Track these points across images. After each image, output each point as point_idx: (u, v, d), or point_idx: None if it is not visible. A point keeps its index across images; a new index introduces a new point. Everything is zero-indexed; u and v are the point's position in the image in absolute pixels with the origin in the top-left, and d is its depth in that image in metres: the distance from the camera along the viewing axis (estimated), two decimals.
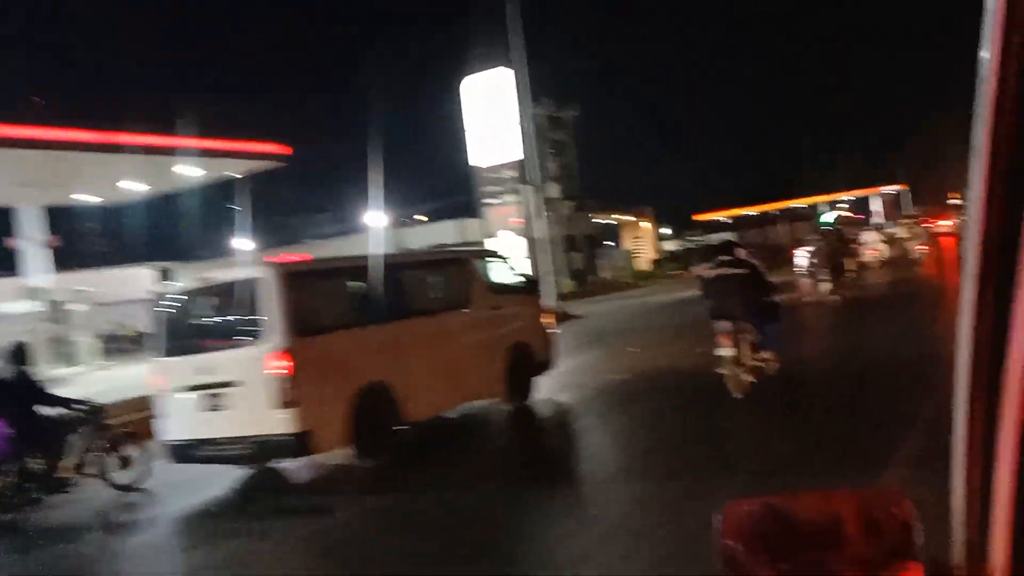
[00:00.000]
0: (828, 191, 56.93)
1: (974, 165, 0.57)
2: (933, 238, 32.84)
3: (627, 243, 54.18)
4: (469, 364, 8.41)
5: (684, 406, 8.22)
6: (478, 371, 8.52)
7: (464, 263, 9.40)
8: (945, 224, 38.02)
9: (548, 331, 9.99)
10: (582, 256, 43.68)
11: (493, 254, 11.08)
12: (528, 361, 9.25)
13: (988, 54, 0.53)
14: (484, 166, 32.12)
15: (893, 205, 61.25)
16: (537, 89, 29.22)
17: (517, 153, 30.06)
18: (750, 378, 7.85)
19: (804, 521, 0.76)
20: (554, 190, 38.50)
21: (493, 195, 32.46)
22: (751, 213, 62.44)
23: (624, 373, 10.79)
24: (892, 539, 0.72)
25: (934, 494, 0.89)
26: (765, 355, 8.08)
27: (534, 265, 25.34)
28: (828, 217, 45.14)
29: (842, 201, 58.17)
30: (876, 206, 61.40)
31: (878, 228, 33.45)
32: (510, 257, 11.82)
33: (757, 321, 7.96)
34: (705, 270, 8.52)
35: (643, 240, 55.26)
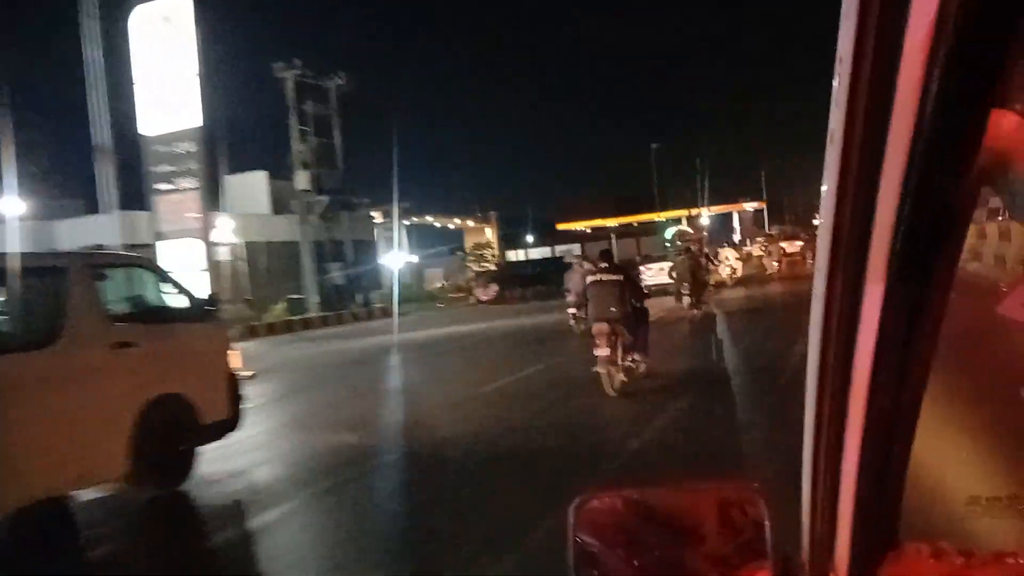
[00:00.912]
0: (695, 205, 56.90)
1: (829, 155, 0.58)
2: (784, 257, 35.66)
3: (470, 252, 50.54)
4: (59, 431, 5.34)
5: (553, 402, 8.88)
6: (80, 441, 5.47)
7: (63, 275, 5.84)
8: (796, 244, 41.32)
9: (230, 375, 6.99)
10: (344, 270, 33.25)
11: (136, 262, 8.10)
12: (186, 422, 6.28)
13: (844, 43, 0.53)
14: (154, 135, 23.94)
15: (753, 222, 62.51)
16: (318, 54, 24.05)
17: (195, 118, 22.75)
18: (623, 377, 8.60)
19: (660, 516, 0.76)
20: (303, 180, 30.50)
21: (166, 178, 24.20)
22: (611, 224, 60.67)
23: (357, 430, 8.28)
24: (746, 536, 0.74)
25: (786, 490, 0.92)
26: (636, 356, 8.91)
27: (215, 280, 20.13)
28: (667, 233, 43.17)
29: (690, 217, 54.90)
30: (736, 223, 62.17)
31: (734, 245, 35.25)
32: (175, 268, 8.94)
33: (630, 324, 8.74)
34: (587, 275, 9.60)
35: (486, 250, 50.99)
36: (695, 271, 18.03)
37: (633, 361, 8.88)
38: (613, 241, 50.14)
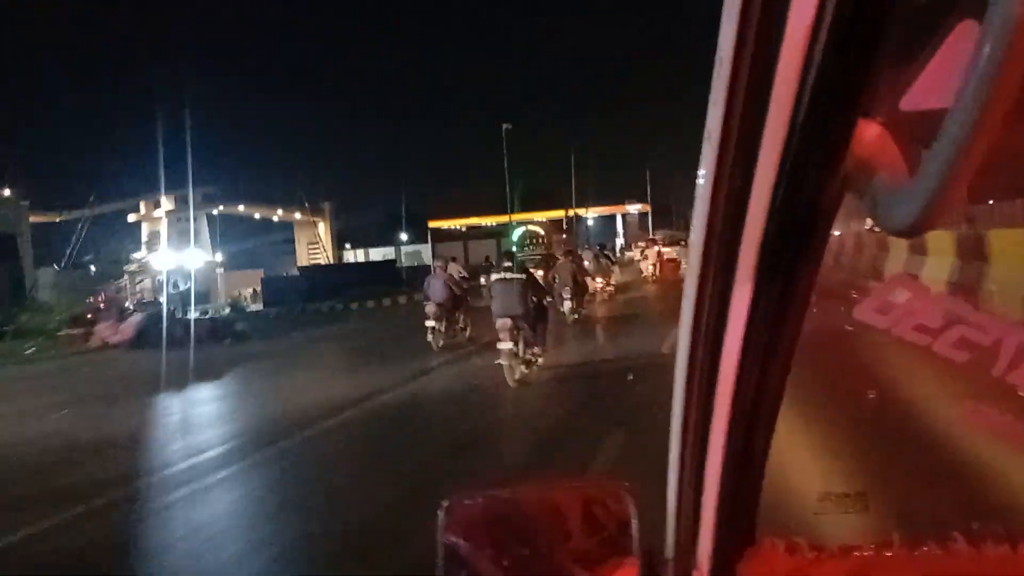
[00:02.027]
0: (581, 206, 54.14)
1: (705, 153, 0.59)
2: (664, 262, 37.23)
3: (301, 250, 43.96)
4: None
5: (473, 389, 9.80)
6: None
7: None
8: (671, 250, 43.11)
9: None
10: None
11: None
12: None
13: (724, 44, 0.55)
14: None
15: (637, 225, 61.84)
16: None
17: None
18: (523, 368, 9.46)
19: (528, 515, 0.76)
20: None
21: None
22: (486, 223, 55.02)
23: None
24: (611, 532, 0.75)
25: (651, 485, 0.95)
26: (536, 350, 9.75)
27: None
28: (515, 234, 39.60)
29: (570, 218, 52.65)
30: (619, 226, 61.78)
31: (604, 252, 35.32)
32: None
33: (531, 320, 9.56)
34: (492, 274, 10.42)
35: (319, 247, 44.88)
36: (575, 276, 18.29)
37: (532, 355, 9.67)
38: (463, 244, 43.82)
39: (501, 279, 9.70)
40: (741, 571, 0.72)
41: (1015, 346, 0.69)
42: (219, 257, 40.44)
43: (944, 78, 0.50)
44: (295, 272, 39.28)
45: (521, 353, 9.41)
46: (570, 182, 51.65)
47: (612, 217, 62.86)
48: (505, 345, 9.21)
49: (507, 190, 39.84)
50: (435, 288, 13.84)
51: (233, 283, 37.83)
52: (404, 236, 47.46)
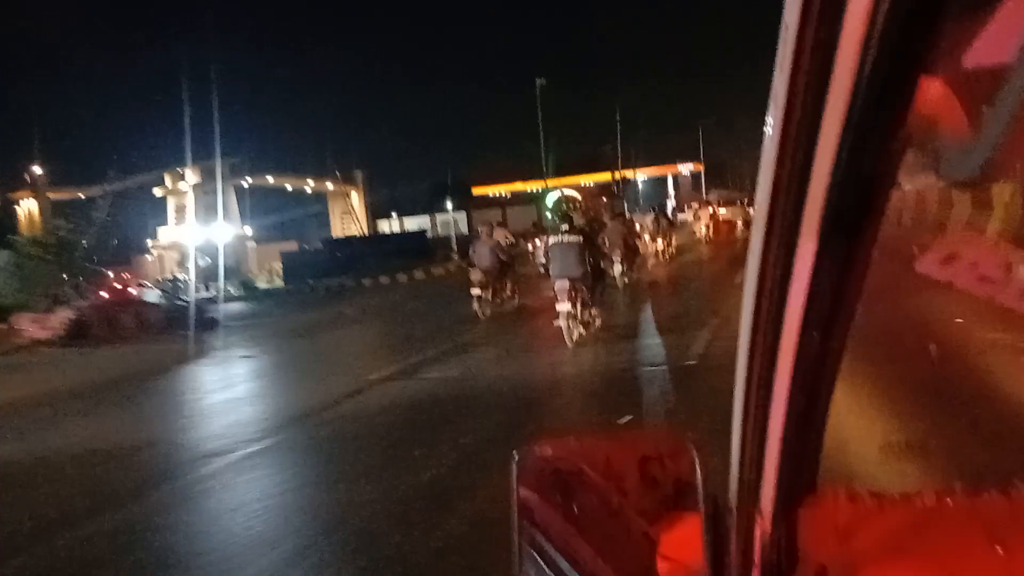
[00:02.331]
0: (629, 167, 53.53)
1: (771, 116, 0.65)
2: (719, 224, 36.76)
3: (336, 222, 43.04)
4: None
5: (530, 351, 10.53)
6: None
7: None
8: (727, 211, 42.63)
9: None
10: None
11: None
12: None
13: (790, 10, 0.60)
14: None
15: (689, 186, 60.74)
16: None
17: None
18: (581, 330, 10.09)
19: (594, 465, 0.84)
20: None
21: None
22: (530, 190, 53.88)
23: None
24: (674, 483, 0.82)
25: (715, 434, 1.02)
26: (593, 311, 10.41)
27: None
28: (549, 200, 39.30)
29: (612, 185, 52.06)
30: (671, 187, 60.65)
31: (664, 213, 34.89)
32: None
33: (589, 282, 10.19)
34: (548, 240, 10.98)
35: (353, 218, 44.21)
36: (626, 239, 18.34)
37: (591, 316, 10.33)
38: (503, 213, 43.89)
39: (559, 242, 10.18)
40: (803, 518, 0.79)
41: None
42: (249, 230, 40.50)
43: (1006, 34, 0.54)
44: (319, 245, 39.14)
45: (579, 315, 9.97)
46: (617, 144, 50.48)
47: (663, 179, 61.91)
48: (564, 306, 9.80)
49: (542, 152, 39.73)
50: (481, 255, 14.02)
51: (265, 257, 37.87)
52: (442, 204, 46.22)
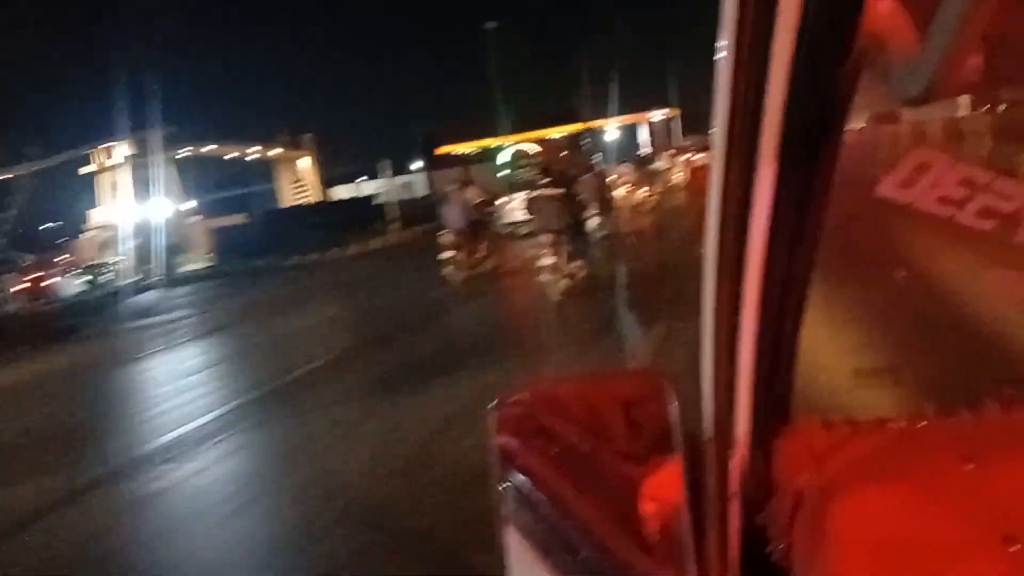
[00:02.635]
0: (599, 117, 52.24)
1: (722, 40, 0.68)
2: (696, 170, 36.86)
3: (285, 191, 40.15)
4: None
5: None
6: None
7: None
8: (706, 155, 42.85)
9: None
10: None
11: None
12: None
13: None
14: None
15: (663, 134, 60.13)
16: None
17: None
18: (567, 282, 10.66)
19: (572, 407, 0.88)
20: None
21: None
22: (496, 145, 50.56)
23: None
24: (651, 421, 0.87)
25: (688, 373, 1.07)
26: (577, 263, 10.96)
27: None
28: (504, 157, 37.57)
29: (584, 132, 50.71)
30: (644, 135, 60.14)
31: (637, 162, 32.82)
32: None
33: (571, 235, 10.83)
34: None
35: (304, 186, 41.53)
36: (601, 191, 18.29)
37: (575, 267, 10.91)
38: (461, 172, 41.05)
39: (540, 195, 10.87)
40: (778, 447, 0.84)
41: None
42: (192, 205, 38.46)
43: None
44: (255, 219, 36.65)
45: (563, 267, 10.60)
46: (584, 92, 49.88)
47: (635, 127, 60.40)
48: (547, 260, 10.58)
49: (495, 104, 38.12)
50: (452, 214, 13.89)
51: (206, 235, 35.93)
52: (401, 166, 43.85)
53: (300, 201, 41.09)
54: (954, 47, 0.55)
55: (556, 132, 53.77)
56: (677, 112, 61.65)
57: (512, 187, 23.92)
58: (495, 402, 0.92)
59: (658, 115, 61.61)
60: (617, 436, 0.89)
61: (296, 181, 42.03)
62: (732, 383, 0.82)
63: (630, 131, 60.33)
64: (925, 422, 0.84)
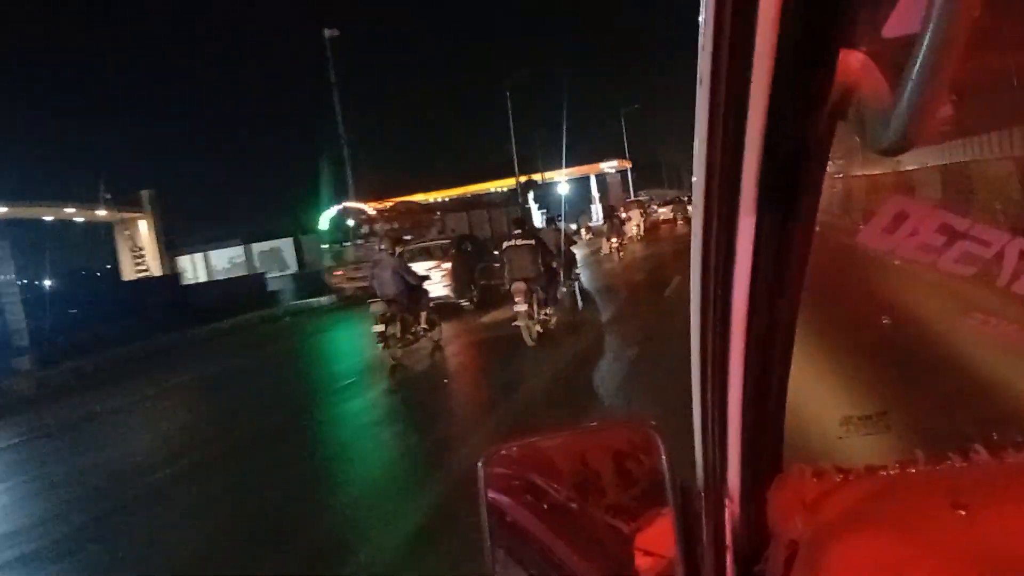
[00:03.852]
0: (544, 168, 48.63)
1: (699, 97, 0.71)
2: (653, 224, 37.57)
3: (125, 260, 35.09)
4: None
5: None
6: None
7: None
8: (666, 210, 44.02)
9: None
10: None
11: None
12: None
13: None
14: None
15: (619, 186, 59.67)
16: None
17: None
18: (539, 328, 11.43)
19: (561, 461, 0.90)
20: None
21: None
22: (434, 199, 49.23)
23: None
24: (641, 472, 0.89)
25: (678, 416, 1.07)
26: (548, 310, 11.81)
27: None
28: (325, 220, 30.96)
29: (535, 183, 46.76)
30: (595, 188, 58.22)
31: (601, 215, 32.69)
32: None
33: (543, 283, 11.50)
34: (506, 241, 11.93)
35: (144, 255, 36.33)
36: (558, 244, 18.09)
37: (546, 315, 11.74)
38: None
39: (513, 245, 11.53)
40: (771, 497, 0.86)
41: (1016, 255, 0.84)
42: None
43: (916, 5, 0.64)
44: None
45: (536, 314, 11.34)
46: (529, 144, 47.20)
47: (585, 179, 58.18)
48: (521, 307, 11.14)
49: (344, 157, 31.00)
50: (383, 280, 11.95)
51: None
52: (268, 229, 37.60)
53: (141, 273, 35.37)
54: (926, 98, 0.59)
55: (496, 186, 53.04)
56: (628, 164, 61.50)
57: (336, 259, 21.53)
58: (483, 458, 0.92)
59: (608, 167, 60.48)
60: (608, 489, 0.91)
61: (135, 249, 36.38)
62: (723, 432, 0.85)
63: (579, 184, 57.87)
64: (915, 469, 0.87)
